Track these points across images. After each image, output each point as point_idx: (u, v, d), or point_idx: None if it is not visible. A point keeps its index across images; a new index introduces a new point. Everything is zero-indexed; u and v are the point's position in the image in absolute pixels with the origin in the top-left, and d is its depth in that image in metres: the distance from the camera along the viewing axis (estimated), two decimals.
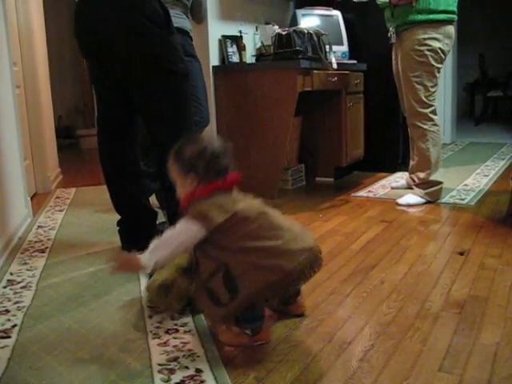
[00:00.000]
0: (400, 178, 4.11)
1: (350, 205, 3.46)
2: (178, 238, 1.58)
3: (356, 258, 2.42)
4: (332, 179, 4.22)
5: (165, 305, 1.89)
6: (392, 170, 4.45)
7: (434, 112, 3.37)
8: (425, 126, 3.35)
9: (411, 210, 3.30)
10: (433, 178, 3.41)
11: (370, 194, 3.73)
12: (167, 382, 1.46)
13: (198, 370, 1.52)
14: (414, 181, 3.49)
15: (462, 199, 3.50)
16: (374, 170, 4.49)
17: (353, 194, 3.74)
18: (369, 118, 4.41)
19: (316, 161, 4.23)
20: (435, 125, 3.38)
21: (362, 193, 3.78)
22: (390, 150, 4.48)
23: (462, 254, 2.44)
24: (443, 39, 3.24)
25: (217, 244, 1.60)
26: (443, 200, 3.47)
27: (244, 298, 1.54)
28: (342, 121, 4.04)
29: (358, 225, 2.97)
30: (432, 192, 3.41)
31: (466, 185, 3.94)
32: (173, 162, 1.70)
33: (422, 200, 3.40)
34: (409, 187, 3.62)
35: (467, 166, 4.74)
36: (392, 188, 3.86)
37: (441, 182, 3.45)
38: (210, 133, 3.55)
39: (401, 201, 3.41)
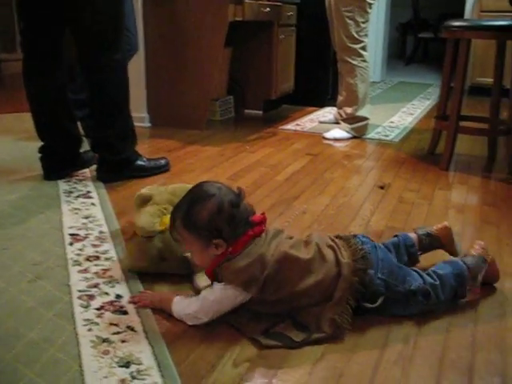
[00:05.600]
0: (328, 112, 4.15)
1: (277, 137, 3.48)
2: (219, 306, 1.37)
3: (280, 189, 2.46)
4: (261, 112, 4.21)
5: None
6: (321, 104, 4.49)
7: (364, 48, 3.38)
8: (354, 62, 3.37)
9: (337, 144, 3.36)
10: (359, 113, 3.46)
11: (298, 128, 3.75)
12: (86, 307, 1.46)
13: (118, 296, 1.52)
14: (341, 116, 3.54)
15: (387, 135, 3.58)
16: (303, 104, 4.52)
17: (281, 127, 3.76)
18: (300, 51, 4.39)
19: (245, 93, 4.20)
20: (364, 61, 3.40)
21: (290, 126, 3.80)
22: (319, 84, 4.50)
23: (382, 187, 2.52)
24: None
25: (266, 302, 1.39)
26: (369, 136, 3.54)
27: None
28: (272, 53, 4.01)
29: (283, 157, 3.00)
30: (358, 127, 3.46)
31: (391, 122, 4.03)
32: (185, 232, 1.39)
33: (348, 135, 3.45)
34: (336, 122, 3.67)
35: (394, 104, 4.83)
36: (320, 122, 3.90)
37: (367, 118, 3.50)
38: (138, 62, 3.44)
39: (327, 135, 3.45)
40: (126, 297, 1.52)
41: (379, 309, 1.41)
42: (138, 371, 1.21)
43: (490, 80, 3.17)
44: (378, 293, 1.41)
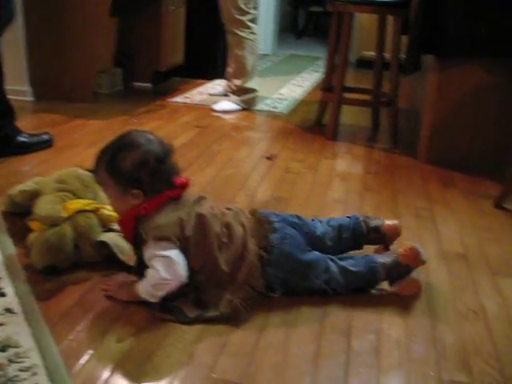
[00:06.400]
0: (218, 85, 4.11)
1: (166, 110, 3.42)
2: (169, 262, 1.31)
3: None
4: (150, 84, 4.12)
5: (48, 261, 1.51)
6: (211, 77, 4.45)
7: (252, 20, 3.38)
8: (242, 34, 3.36)
9: (226, 116, 3.36)
10: (248, 85, 3.48)
11: (187, 100, 3.71)
12: None
13: None
14: (230, 88, 3.54)
15: (276, 107, 3.63)
16: (193, 76, 4.45)
17: (170, 100, 3.69)
18: (190, 23, 4.33)
19: (134, 65, 4.09)
20: (253, 33, 3.41)
21: (179, 98, 3.75)
22: (210, 57, 4.46)
23: (269, 158, 2.56)
24: None
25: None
26: (258, 107, 3.57)
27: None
28: (162, 25, 3.91)
29: (172, 130, 2.96)
30: (247, 99, 3.48)
31: (280, 94, 4.09)
32: (106, 175, 1.36)
33: (237, 107, 3.46)
34: (226, 94, 3.67)
35: (284, 76, 4.90)
36: (209, 95, 3.87)
37: (255, 90, 3.53)
38: (16, 31, 3.26)
39: (216, 107, 3.45)
40: (6, 279, 1.45)
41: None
42: (16, 354, 1.17)
43: (374, 53, 3.28)
44: (275, 287, 1.44)
